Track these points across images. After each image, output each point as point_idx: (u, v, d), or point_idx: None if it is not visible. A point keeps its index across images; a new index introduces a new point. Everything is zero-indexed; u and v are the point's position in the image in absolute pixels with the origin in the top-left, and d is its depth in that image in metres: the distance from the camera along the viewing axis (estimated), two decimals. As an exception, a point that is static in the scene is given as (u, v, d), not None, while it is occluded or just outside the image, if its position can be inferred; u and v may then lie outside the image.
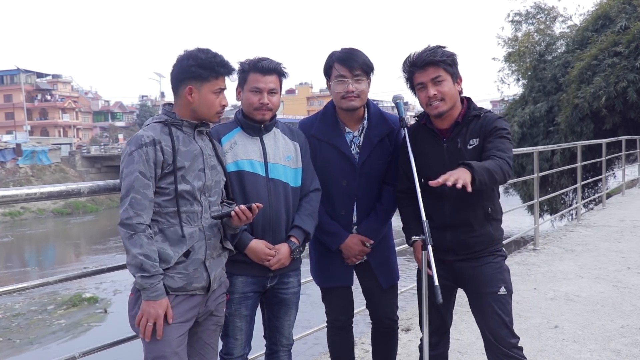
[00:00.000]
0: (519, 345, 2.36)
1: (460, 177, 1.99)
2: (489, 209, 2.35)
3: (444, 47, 2.31)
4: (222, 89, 2.14)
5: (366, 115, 2.61)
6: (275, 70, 2.38)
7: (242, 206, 2.11)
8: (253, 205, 2.12)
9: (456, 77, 2.31)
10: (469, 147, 2.30)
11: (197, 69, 2.08)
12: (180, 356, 2.03)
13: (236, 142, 2.38)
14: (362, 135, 2.59)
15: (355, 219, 2.62)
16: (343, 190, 2.59)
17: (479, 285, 2.37)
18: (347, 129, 2.60)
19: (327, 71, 2.54)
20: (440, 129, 2.37)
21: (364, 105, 2.58)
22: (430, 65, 2.26)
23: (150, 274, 1.94)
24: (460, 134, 2.33)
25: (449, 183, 1.96)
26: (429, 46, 2.32)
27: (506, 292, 2.35)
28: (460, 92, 2.36)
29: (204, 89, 2.10)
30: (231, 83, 2.25)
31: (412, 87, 2.38)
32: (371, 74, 2.53)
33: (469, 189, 1.98)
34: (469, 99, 2.39)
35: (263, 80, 2.35)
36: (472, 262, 2.37)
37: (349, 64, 2.45)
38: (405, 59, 2.35)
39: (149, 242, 1.96)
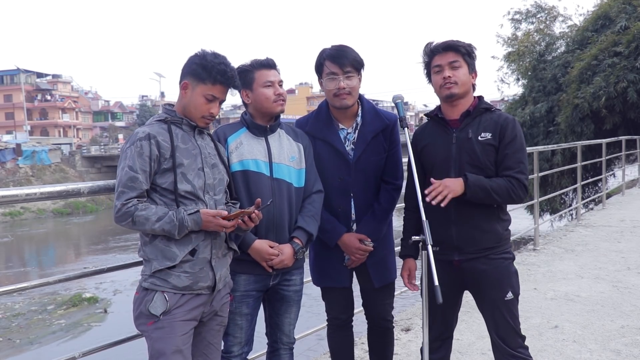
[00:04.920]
0: (525, 344, 2.36)
1: (447, 188, 2.18)
2: (494, 204, 2.34)
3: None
4: (215, 97, 2.13)
5: (360, 111, 2.62)
6: (275, 64, 2.46)
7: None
8: (253, 213, 2.12)
9: (472, 69, 2.37)
10: (480, 139, 2.31)
11: (198, 67, 2.10)
12: (184, 354, 2.04)
13: (242, 142, 2.41)
14: (357, 131, 2.60)
15: (353, 216, 2.62)
16: (338, 186, 2.59)
17: (486, 289, 2.36)
18: (341, 126, 2.61)
19: (319, 69, 2.57)
20: (450, 119, 2.39)
21: (358, 101, 2.61)
22: (450, 50, 2.34)
23: (177, 220, 1.99)
24: (471, 125, 2.34)
25: (433, 195, 2.19)
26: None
27: (513, 297, 2.34)
28: (474, 87, 2.41)
29: (197, 89, 2.11)
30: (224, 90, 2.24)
31: (429, 74, 2.43)
32: (361, 70, 2.55)
33: (443, 204, 2.18)
34: (480, 97, 2.43)
35: (271, 73, 2.42)
36: (479, 264, 2.34)
37: (339, 61, 2.48)
38: (427, 44, 2.43)
39: (148, 210, 1.99)
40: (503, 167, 2.29)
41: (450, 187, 2.19)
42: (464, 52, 2.34)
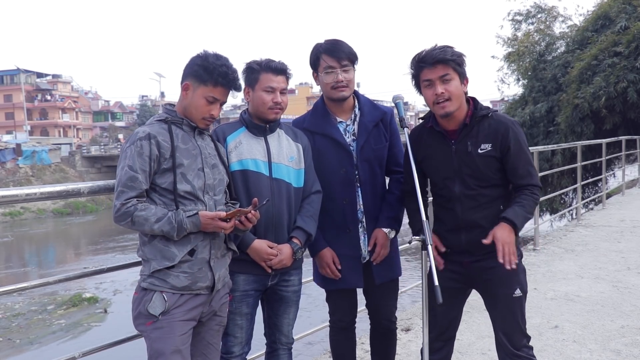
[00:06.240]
0: (529, 344, 2.37)
1: (507, 245, 2.16)
2: (500, 206, 2.33)
3: (452, 47, 2.29)
4: (216, 99, 2.13)
5: (357, 104, 2.65)
6: (284, 70, 2.43)
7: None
8: (250, 213, 2.12)
9: (463, 78, 2.29)
10: (480, 152, 2.28)
11: (200, 69, 2.10)
12: (183, 354, 2.04)
13: (241, 142, 2.41)
14: (356, 122, 2.62)
15: (362, 207, 2.61)
16: (342, 179, 2.58)
17: (494, 286, 2.36)
18: (339, 119, 2.63)
19: (315, 63, 2.58)
20: (447, 130, 2.34)
21: (354, 95, 2.64)
22: (440, 63, 2.23)
23: (176, 222, 1.99)
24: (469, 136, 2.30)
25: (507, 260, 2.16)
26: (436, 45, 2.30)
27: (521, 294, 2.34)
28: (466, 93, 2.34)
29: (198, 91, 2.11)
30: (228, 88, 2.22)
31: (418, 85, 2.35)
32: (356, 63, 2.58)
33: (514, 264, 2.17)
34: (474, 99, 2.36)
35: (276, 80, 2.40)
36: (488, 262, 2.33)
37: (336, 55, 2.51)
38: (414, 56, 2.33)
39: (147, 210, 1.99)
40: (517, 177, 2.29)
41: (507, 241, 2.16)
42: (454, 64, 2.25)
